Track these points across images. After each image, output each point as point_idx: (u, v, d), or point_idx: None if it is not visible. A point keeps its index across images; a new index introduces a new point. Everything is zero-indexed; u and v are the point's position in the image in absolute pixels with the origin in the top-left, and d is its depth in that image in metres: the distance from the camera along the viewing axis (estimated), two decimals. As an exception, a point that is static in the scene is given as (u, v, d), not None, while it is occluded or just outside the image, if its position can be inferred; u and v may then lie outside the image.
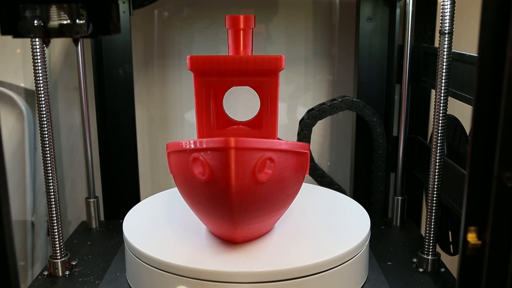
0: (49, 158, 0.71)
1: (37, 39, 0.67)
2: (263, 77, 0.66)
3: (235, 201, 0.56)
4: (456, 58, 0.72)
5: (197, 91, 0.67)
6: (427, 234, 0.72)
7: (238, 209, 0.57)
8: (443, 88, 0.68)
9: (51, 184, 0.72)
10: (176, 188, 0.83)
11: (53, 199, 0.72)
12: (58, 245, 0.73)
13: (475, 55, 0.56)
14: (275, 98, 0.67)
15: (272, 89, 0.66)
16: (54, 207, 0.72)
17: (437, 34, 0.79)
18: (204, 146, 0.56)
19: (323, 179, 0.96)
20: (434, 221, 0.71)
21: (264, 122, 0.68)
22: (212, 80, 0.66)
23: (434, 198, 0.70)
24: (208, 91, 0.67)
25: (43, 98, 0.70)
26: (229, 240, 0.65)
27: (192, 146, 0.58)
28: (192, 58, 0.65)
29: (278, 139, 0.68)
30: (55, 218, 0.72)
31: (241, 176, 0.55)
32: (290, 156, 0.61)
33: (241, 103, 1.01)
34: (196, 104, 0.67)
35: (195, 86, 0.66)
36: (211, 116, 0.69)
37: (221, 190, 0.56)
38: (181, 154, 0.61)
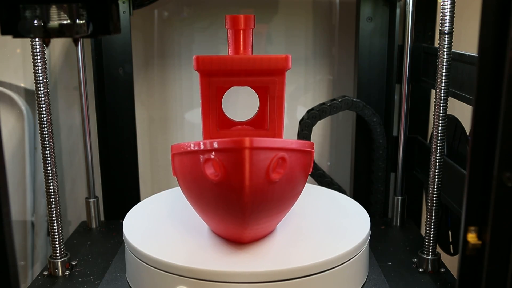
0: (49, 158, 0.71)
1: (37, 39, 0.67)
2: (270, 77, 0.66)
3: (248, 201, 0.56)
4: (456, 58, 0.72)
5: (204, 92, 0.66)
6: (427, 234, 0.72)
7: (250, 209, 0.57)
8: (443, 88, 0.68)
9: (51, 184, 0.72)
10: (175, 188, 0.83)
11: (53, 199, 0.72)
12: (58, 245, 0.73)
13: (475, 55, 0.56)
14: (282, 98, 0.67)
15: (279, 89, 0.66)
16: (54, 207, 0.72)
17: (437, 34, 0.79)
18: (218, 146, 0.56)
19: (323, 179, 0.96)
20: (434, 221, 0.71)
21: (270, 122, 0.68)
22: (219, 80, 0.66)
23: (434, 198, 0.70)
24: (215, 91, 0.66)
25: (43, 98, 0.70)
26: (236, 241, 0.65)
27: (204, 147, 0.58)
28: (199, 58, 0.65)
29: None
30: (55, 218, 0.72)
31: (255, 176, 0.55)
32: (300, 155, 0.62)
33: (241, 103, 1.01)
34: (202, 104, 0.67)
35: (201, 87, 0.66)
36: (217, 116, 0.68)
37: (234, 190, 0.56)
38: (190, 155, 0.60)
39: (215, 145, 0.56)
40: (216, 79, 0.66)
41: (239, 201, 0.56)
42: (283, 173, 0.58)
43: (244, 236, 0.63)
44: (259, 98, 0.72)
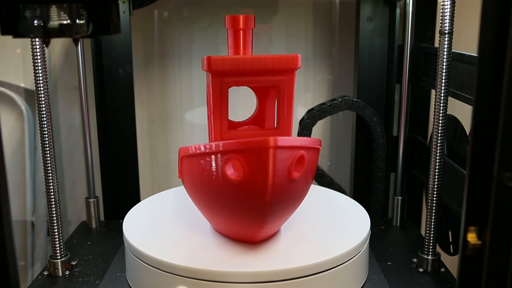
0: (49, 158, 0.71)
1: (37, 39, 0.67)
2: (280, 76, 0.66)
3: (270, 201, 0.56)
4: (456, 58, 0.72)
5: (214, 92, 0.66)
6: (427, 234, 0.72)
7: (271, 208, 0.57)
8: (443, 88, 0.68)
9: (51, 184, 0.72)
10: (175, 188, 0.83)
11: (53, 199, 0.72)
12: (58, 245, 0.73)
13: (475, 55, 0.56)
14: (291, 97, 0.67)
15: (289, 88, 0.67)
16: (54, 207, 0.72)
17: (437, 34, 0.79)
18: (241, 146, 0.56)
19: (323, 179, 0.96)
20: (434, 221, 0.71)
21: (280, 121, 0.68)
22: (230, 80, 0.66)
23: (434, 198, 0.70)
24: (226, 91, 0.66)
25: (43, 98, 0.70)
26: (248, 241, 0.65)
27: (228, 147, 0.57)
28: (211, 59, 0.65)
29: None
30: (55, 218, 0.72)
31: (278, 175, 0.55)
32: (314, 153, 0.62)
33: (241, 103, 1.01)
34: (214, 105, 0.66)
35: (212, 87, 0.66)
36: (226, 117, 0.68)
37: (257, 190, 0.56)
38: (205, 156, 0.60)
39: (238, 145, 0.56)
40: (227, 79, 0.66)
41: (261, 200, 0.56)
42: (302, 171, 0.58)
43: (258, 236, 0.63)
44: (257, 97, 0.72)
